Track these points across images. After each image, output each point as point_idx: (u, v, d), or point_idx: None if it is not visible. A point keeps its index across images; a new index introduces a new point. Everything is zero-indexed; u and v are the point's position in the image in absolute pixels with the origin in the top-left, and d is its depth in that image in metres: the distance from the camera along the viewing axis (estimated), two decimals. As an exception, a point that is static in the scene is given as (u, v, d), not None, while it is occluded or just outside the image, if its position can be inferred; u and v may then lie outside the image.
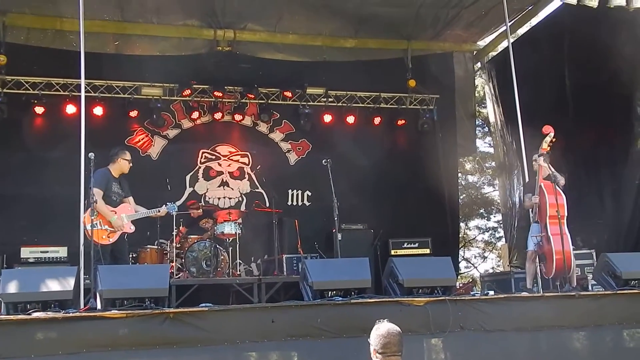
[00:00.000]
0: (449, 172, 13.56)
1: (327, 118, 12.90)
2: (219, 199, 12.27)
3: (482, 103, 16.93)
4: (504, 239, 15.69)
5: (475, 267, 21.06)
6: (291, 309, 6.90)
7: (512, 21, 12.02)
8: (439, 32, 13.08)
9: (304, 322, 6.73)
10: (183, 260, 10.31)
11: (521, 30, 13.49)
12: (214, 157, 12.50)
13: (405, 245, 11.68)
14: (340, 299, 7.17)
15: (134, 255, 9.96)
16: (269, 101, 12.73)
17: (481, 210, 20.76)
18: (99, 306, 6.67)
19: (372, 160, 12.55)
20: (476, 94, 15.62)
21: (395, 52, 13.49)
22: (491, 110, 14.51)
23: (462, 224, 18.62)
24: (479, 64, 14.46)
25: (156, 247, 10.38)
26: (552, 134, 8.67)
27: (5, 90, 11.21)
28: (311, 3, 11.39)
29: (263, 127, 12.87)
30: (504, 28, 10.77)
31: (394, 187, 12.74)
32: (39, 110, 11.35)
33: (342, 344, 6.65)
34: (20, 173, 11.01)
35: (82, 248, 7.29)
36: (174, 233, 10.23)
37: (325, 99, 12.93)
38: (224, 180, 12.41)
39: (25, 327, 6.01)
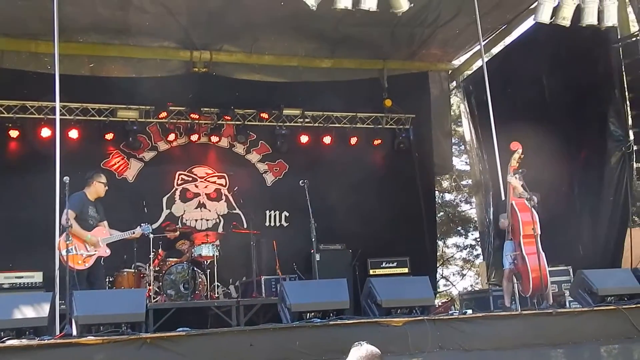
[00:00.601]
0: (425, 191, 13.63)
1: (304, 138, 12.92)
2: (196, 220, 12.21)
3: (458, 121, 17.03)
4: (481, 257, 15.73)
5: (454, 285, 21.07)
6: (269, 331, 6.86)
7: (486, 40, 12.15)
8: (414, 52, 13.21)
9: (282, 345, 6.69)
10: (161, 283, 10.23)
11: (495, 49, 13.62)
12: (190, 178, 12.45)
13: (383, 264, 11.68)
14: (319, 320, 7.16)
15: (110, 279, 9.88)
16: (246, 122, 12.73)
17: (459, 228, 20.80)
18: (74, 332, 6.58)
19: (349, 180, 12.54)
20: (452, 113, 15.73)
21: (371, 72, 13.60)
22: (467, 129, 14.62)
23: (440, 242, 18.67)
24: (454, 83, 14.59)
25: (133, 270, 10.27)
26: (520, 150, 8.69)
27: (-21, 114, 11.12)
28: (287, 24, 11.41)
29: (240, 149, 12.85)
30: (478, 47, 10.88)
31: (372, 207, 12.73)
32: (14, 133, 11.26)
33: (321, 366, 6.62)
34: (-5, 197, 10.90)
35: (57, 273, 7.21)
36: (151, 256, 10.15)
37: (301, 120, 12.96)
38: (201, 202, 12.35)
39: (-1, 355, 5.92)
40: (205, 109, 12.38)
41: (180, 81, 12.41)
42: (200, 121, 12.39)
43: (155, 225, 11.14)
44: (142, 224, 9.15)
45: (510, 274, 8.58)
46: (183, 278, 10.24)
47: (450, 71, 14.31)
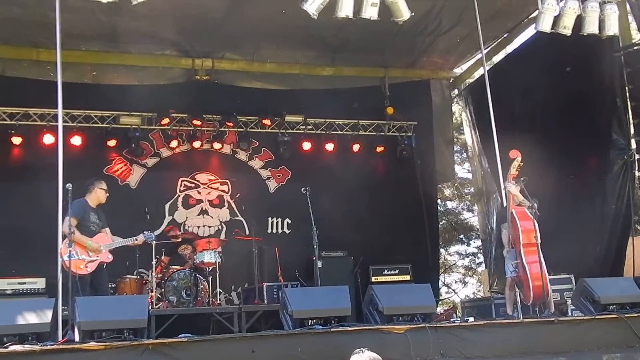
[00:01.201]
0: (428, 198, 13.63)
1: (306, 145, 12.94)
2: (198, 227, 12.21)
3: (459, 129, 17.05)
4: (484, 265, 15.73)
5: (456, 293, 21.07)
6: (271, 338, 6.89)
7: (488, 48, 12.20)
8: (415, 60, 13.26)
9: (284, 352, 6.71)
10: (163, 289, 10.24)
11: (497, 58, 13.66)
12: (193, 185, 12.48)
13: (385, 271, 11.68)
14: (320, 327, 7.17)
15: (113, 286, 9.87)
16: (248, 129, 12.75)
17: (461, 236, 20.81)
18: (77, 338, 6.59)
19: (351, 187, 12.55)
20: (454, 121, 15.76)
21: (372, 79, 13.63)
22: (469, 137, 14.64)
23: (442, 250, 18.65)
24: (455, 91, 14.61)
25: (135, 277, 10.28)
26: (519, 159, 8.70)
27: (-18, 121, 11.17)
28: (288, 32, 11.44)
29: (242, 155, 12.88)
30: (480, 55, 10.90)
31: (374, 214, 12.74)
32: (17, 140, 11.30)
33: (323, 372, 6.63)
34: (-3, 203, 10.93)
35: (60, 279, 7.22)
36: (154, 263, 10.16)
37: (304, 127, 12.98)
38: (204, 209, 12.36)
39: (1, 361, 5.94)
40: (208, 115, 12.41)
41: (182, 89, 12.46)
42: (202, 128, 12.42)
43: (157, 232, 11.14)
44: (144, 232, 9.17)
45: (512, 282, 8.57)
46: (185, 284, 10.24)
47: (451, 79, 14.35)
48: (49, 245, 7.71)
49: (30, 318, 6.64)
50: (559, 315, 8.29)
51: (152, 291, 10.05)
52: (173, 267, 10.52)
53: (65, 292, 7.19)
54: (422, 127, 13.62)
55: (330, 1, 8.27)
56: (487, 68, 10.04)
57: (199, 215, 12.34)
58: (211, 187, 12.57)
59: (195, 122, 12.29)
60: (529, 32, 11.85)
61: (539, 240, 8.23)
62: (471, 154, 14.85)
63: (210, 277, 10.45)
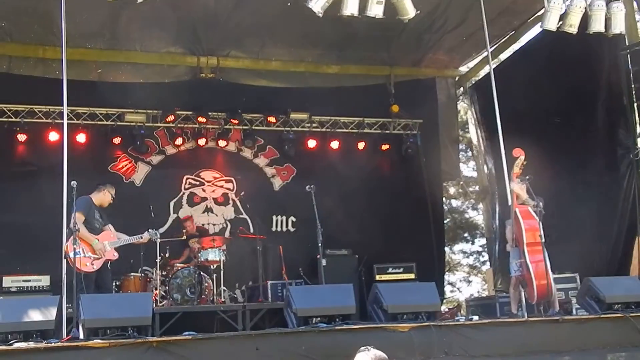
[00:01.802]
0: (433, 197, 13.59)
1: (312, 143, 12.93)
2: (202, 225, 12.22)
3: (465, 127, 17.02)
4: (488, 263, 15.70)
5: (460, 291, 21.04)
6: (275, 336, 6.90)
7: (493, 47, 12.16)
8: (421, 58, 13.23)
9: (288, 350, 6.71)
10: (167, 287, 10.25)
11: (503, 56, 13.63)
12: (198, 182, 12.48)
13: (389, 270, 11.66)
14: (325, 325, 7.16)
15: (117, 283, 9.90)
16: (253, 127, 12.75)
17: (465, 235, 20.77)
18: (81, 336, 6.60)
19: (356, 185, 12.55)
20: (459, 119, 15.72)
21: (378, 77, 13.59)
22: (474, 135, 14.61)
23: (446, 248, 18.62)
24: (461, 89, 14.58)
25: (140, 274, 10.31)
26: (522, 157, 8.68)
27: (-13, 118, 11.18)
28: (293, 30, 11.44)
29: (247, 153, 12.88)
30: (486, 54, 10.88)
31: (379, 212, 12.73)
32: (22, 137, 11.29)
33: (327, 371, 6.62)
34: (2, 201, 10.92)
35: (64, 277, 7.22)
36: (158, 260, 10.17)
37: (309, 124, 12.97)
38: (208, 207, 12.37)
39: (6, 358, 5.93)
40: (213, 113, 12.41)
41: (187, 86, 12.45)
42: (207, 125, 12.42)
43: (162, 230, 11.16)
44: (149, 230, 9.19)
45: (517, 281, 8.55)
46: (189, 282, 10.25)
47: (457, 77, 14.33)
48: (53, 242, 7.69)
49: (34, 315, 6.67)
50: (563, 314, 8.29)
51: (156, 289, 10.08)
52: (177, 265, 10.53)
53: (69, 289, 7.21)
54: (427, 125, 13.57)
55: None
56: (493, 66, 10.01)
57: (203, 213, 12.35)
58: (216, 185, 12.57)
59: (200, 119, 12.29)
60: (535, 31, 11.83)
61: (543, 239, 8.20)
62: (476, 153, 14.82)
63: (214, 275, 10.48)
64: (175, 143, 12.36)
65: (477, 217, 20.14)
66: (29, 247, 10.50)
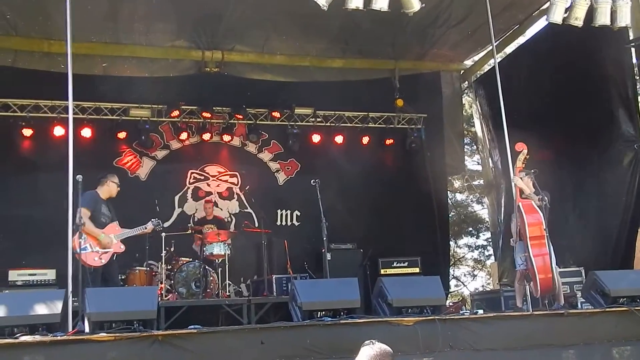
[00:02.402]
0: (438, 191, 13.58)
1: (316, 138, 12.93)
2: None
3: (470, 122, 17.00)
4: (493, 257, 15.70)
5: (465, 286, 21.05)
6: (280, 330, 6.89)
7: (498, 40, 12.09)
8: (426, 52, 13.20)
9: (293, 343, 6.72)
10: (172, 281, 10.27)
11: (508, 49, 13.60)
12: (202, 177, 12.50)
13: (394, 264, 11.65)
14: (330, 319, 7.17)
15: (122, 277, 9.91)
16: (258, 121, 12.75)
17: (470, 229, 20.78)
18: (87, 329, 6.62)
19: (361, 180, 12.56)
20: (464, 113, 15.70)
21: (383, 71, 13.58)
22: (479, 129, 14.59)
23: (451, 242, 18.64)
24: (466, 83, 14.56)
25: (145, 268, 10.32)
26: (525, 151, 8.68)
27: (-8, 113, 11.20)
28: (298, 24, 11.42)
29: (252, 147, 12.89)
30: (490, 47, 10.85)
31: (383, 207, 12.73)
32: (27, 132, 11.33)
33: (332, 364, 6.63)
34: (8, 195, 10.97)
35: (70, 271, 7.24)
36: (163, 254, 10.19)
37: (313, 119, 12.97)
38: (213, 201, 12.38)
39: (12, 351, 5.96)
40: (217, 108, 12.42)
41: (192, 81, 12.45)
42: (212, 120, 12.44)
43: (167, 224, 11.18)
44: (152, 219, 9.20)
45: (522, 275, 8.55)
46: (194, 276, 10.27)
47: (462, 71, 14.30)
48: (59, 236, 7.70)
49: (40, 309, 6.69)
50: (568, 308, 8.28)
51: (161, 283, 10.10)
52: (182, 258, 10.55)
53: (75, 283, 7.22)
54: (432, 119, 13.57)
55: (341, -8, 8.25)
56: (498, 60, 9.99)
57: (208, 207, 12.34)
58: (220, 180, 12.60)
59: (204, 114, 12.30)
60: (540, 24, 11.78)
61: (547, 233, 8.19)
62: (481, 147, 14.80)
63: (219, 269, 10.49)
64: (180, 138, 12.38)
65: (482, 211, 20.16)
66: (34, 241, 10.55)
